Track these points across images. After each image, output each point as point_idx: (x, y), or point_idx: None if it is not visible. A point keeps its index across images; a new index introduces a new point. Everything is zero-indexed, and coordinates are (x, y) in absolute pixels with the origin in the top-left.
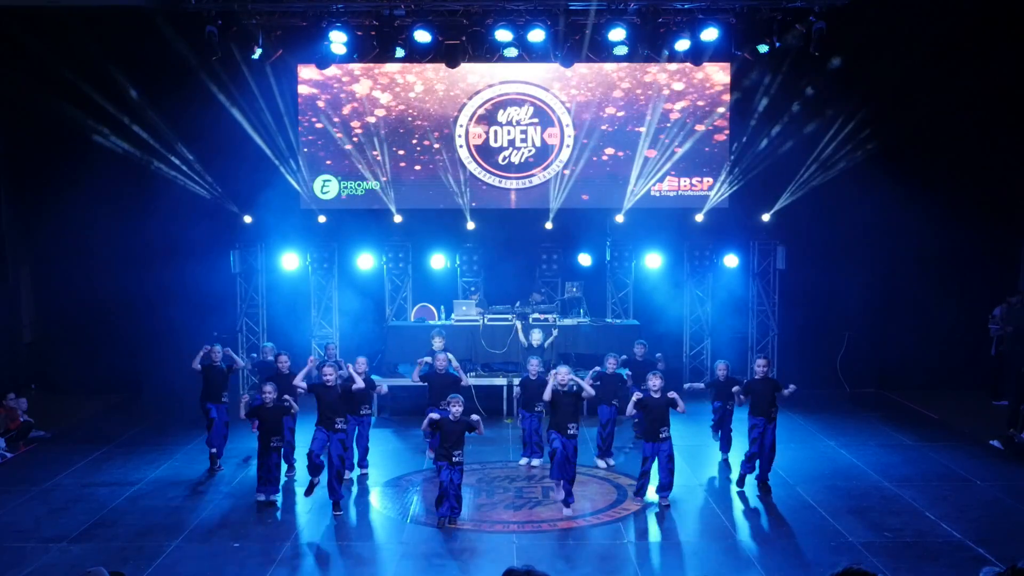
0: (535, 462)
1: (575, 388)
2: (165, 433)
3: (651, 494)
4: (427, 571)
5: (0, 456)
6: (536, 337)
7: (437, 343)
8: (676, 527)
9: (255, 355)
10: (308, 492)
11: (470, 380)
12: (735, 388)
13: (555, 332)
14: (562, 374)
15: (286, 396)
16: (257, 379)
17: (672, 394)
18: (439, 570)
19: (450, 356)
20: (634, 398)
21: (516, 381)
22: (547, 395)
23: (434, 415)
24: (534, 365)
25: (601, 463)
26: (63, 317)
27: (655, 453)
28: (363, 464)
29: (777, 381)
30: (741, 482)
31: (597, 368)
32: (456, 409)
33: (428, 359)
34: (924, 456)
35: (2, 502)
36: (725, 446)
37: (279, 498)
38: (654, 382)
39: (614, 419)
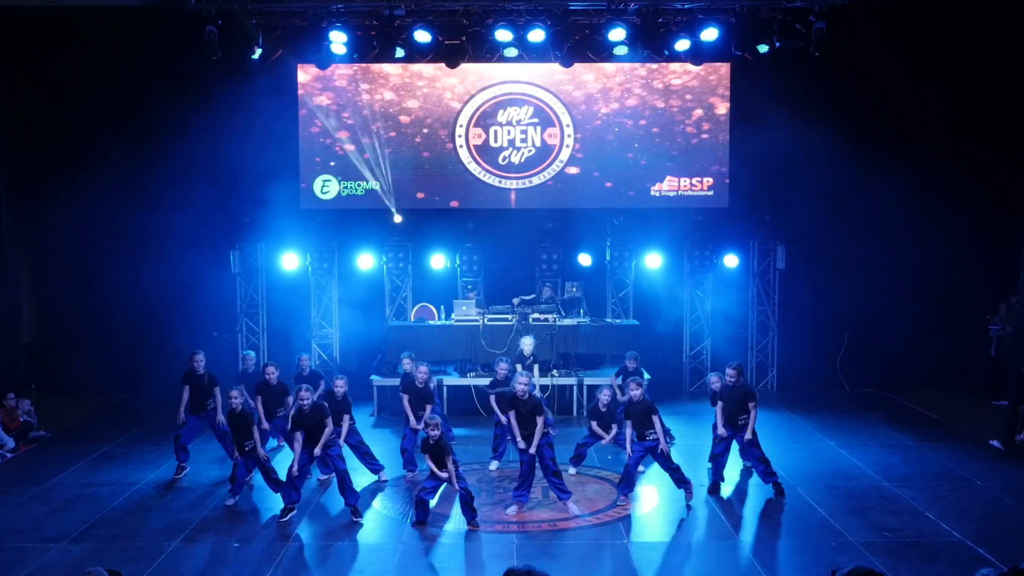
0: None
1: (535, 399)
2: (165, 433)
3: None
4: (427, 571)
5: (0, 456)
6: (527, 345)
7: (406, 364)
8: (676, 527)
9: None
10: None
11: (470, 380)
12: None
13: (530, 342)
14: (521, 382)
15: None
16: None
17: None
18: (439, 570)
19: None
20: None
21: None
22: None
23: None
24: (502, 368)
25: (571, 470)
26: (63, 317)
27: (644, 451)
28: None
29: (750, 389)
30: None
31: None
32: (434, 433)
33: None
34: (924, 456)
35: (2, 502)
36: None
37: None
38: (635, 392)
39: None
